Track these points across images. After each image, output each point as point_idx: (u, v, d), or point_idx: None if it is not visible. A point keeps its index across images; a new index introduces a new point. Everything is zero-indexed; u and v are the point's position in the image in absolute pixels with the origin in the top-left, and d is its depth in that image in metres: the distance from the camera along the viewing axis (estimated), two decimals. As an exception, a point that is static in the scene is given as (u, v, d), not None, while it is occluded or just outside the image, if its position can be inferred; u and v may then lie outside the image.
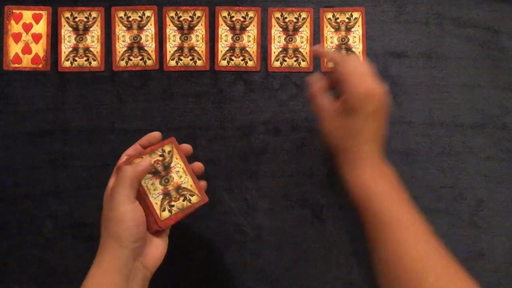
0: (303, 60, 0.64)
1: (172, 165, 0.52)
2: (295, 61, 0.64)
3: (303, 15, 0.65)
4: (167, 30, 0.64)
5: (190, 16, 0.64)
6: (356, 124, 0.49)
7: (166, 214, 0.50)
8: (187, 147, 0.54)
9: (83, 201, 0.62)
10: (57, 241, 0.62)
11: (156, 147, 0.51)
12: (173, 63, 0.64)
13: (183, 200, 0.51)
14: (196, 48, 0.64)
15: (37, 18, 0.64)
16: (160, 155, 0.51)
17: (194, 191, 0.52)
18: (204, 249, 0.62)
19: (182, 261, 0.62)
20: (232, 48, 0.64)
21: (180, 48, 0.64)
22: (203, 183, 0.53)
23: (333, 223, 0.63)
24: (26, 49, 0.63)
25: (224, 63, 0.64)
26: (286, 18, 0.65)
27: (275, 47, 0.64)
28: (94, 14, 0.64)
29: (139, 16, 0.64)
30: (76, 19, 0.64)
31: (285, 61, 0.64)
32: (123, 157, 0.51)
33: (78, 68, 0.63)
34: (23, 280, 0.61)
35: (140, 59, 0.64)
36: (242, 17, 0.64)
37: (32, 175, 0.62)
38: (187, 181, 0.52)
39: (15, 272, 0.61)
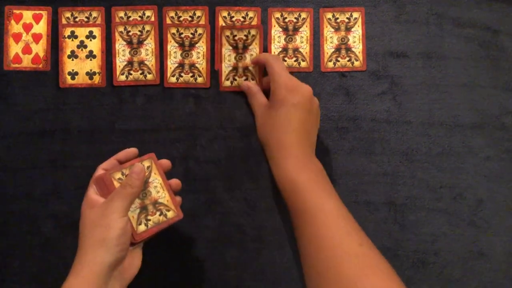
0: (303, 60, 0.64)
1: (150, 180, 0.52)
2: (295, 61, 0.64)
3: (303, 15, 0.65)
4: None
5: (190, 16, 0.64)
6: (281, 115, 0.54)
7: (142, 227, 0.51)
8: (166, 162, 0.55)
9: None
10: (57, 241, 0.62)
11: (135, 161, 0.52)
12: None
13: (159, 215, 0.52)
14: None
15: (37, 18, 0.64)
16: None
17: (171, 206, 0.53)
18: (204, 249, 0.62)
19: (182, 261, 0.62)
20: (232, 48, 0.64)
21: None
22: (178, 199, 0.55)
23: (333, 223, 0.63)
24: (26, 49, 0.63)
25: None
26: (286, 18, 0.65)
27: (275, 47, 0.64)
28: (94, 14, 0.64)
29: (139, 16, 0.64)
30: (77, 19, 0.64)
31: (285, 61, 0.64)
32: (99, 170, 0.52)
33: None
34: (23, 280, 0.61)
35: (140, 59, 0.64)
36: (242, 17, 0.64)
37: (32, 175, 0.62)
38: (164, 197, 0.53)
39: (15, 272, 0.61)
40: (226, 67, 0.62)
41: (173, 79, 0.64)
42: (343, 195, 0.63)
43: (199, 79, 0.64)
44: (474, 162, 0.64)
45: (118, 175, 0.50)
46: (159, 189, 0.53)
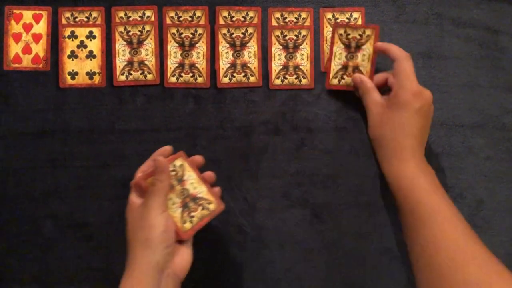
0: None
1: (185, 178, 0.53)
2: (295, 61, 0.64)
3: (303, 15, 0.65)
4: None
5: (190, 16, 0.64)
6: (403, 118, 0.54)
7: (187, 225, 0.51)
8: (198, 158, 0.56)
9: (83, 201, 0.62)
10: (57, 241, 0.62)
11: (168, 160, 0.53)
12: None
13: (202, 209, 0.53)
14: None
15: (37, 18, 0.64)
16: (172, 170, 0.53)
17: (211, 199, 0.54)
18: (204, 249, 0.62)
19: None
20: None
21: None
22: (217, 190, 0.55)
23: (333, 223, 0.63)
24: (26, 49, 0.63)
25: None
26: (286, 18, 0.65)
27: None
28: (94, 14, 0.64)
29: (139, 16, 0.64)
30: (77, 19, 0.64)
31: (285, 61, 0.64)
32: (138, 173, 0.53)
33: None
34: (23, 280, 0.61)
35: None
36: (243, 17, 0.64)
37: (32, 175, 0.62)
38: (203, 191, 0.54)
39: (15, 272, 0.61)
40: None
41: (173, 79, 0.64)
42: (343, 196, 0.63)
43: (199, 79, 0.64)
44: (474, 162, 0.64)
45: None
46: (196, 185, 0.53)
